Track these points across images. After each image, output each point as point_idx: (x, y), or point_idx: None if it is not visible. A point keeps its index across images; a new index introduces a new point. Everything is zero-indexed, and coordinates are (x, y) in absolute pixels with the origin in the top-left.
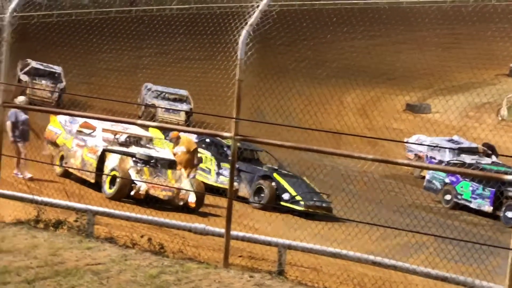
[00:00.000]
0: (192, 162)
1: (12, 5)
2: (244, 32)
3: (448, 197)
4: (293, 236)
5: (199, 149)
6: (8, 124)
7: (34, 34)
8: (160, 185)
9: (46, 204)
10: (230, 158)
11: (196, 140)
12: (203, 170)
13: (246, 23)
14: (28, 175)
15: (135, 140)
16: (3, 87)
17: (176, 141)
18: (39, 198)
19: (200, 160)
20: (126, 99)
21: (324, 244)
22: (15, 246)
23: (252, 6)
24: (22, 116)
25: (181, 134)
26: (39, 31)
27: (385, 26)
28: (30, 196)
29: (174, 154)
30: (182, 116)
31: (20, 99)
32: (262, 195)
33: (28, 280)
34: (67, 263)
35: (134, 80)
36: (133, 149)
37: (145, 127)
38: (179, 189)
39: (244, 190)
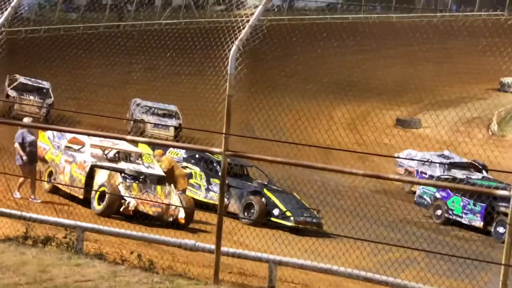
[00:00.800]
0: (174, 179)
1: (0, 20)
2: (234, 47)
3: (439, 212)
4: (283, 252)
5: (189, 165)
6: (16, 146)
7: (22, 50)
8: (150, 201)
9: (34, 220)
10: (220, 173)
11: (185, 156)
12: (192, 185)
13: (236, 38)
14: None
15: (124, 156)
16: None
17: (159, 160)
18: (27, 215)
19: (189, 176)
20: (115, 115)
21: (315, 260)
22: (4, 263)
23: (242, 21)
24: (29, 137)
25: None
26: (27, 46)
27: (376, 40)
28: (18, 213)
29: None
30: (171, 132)
31: (26, 120)
32: (252, 210)
33: None
34: (56, 279)
35: (123, 95)
36: (122, 165)
37: (135, 143)
38: (168, 205)
39: (234, 206)
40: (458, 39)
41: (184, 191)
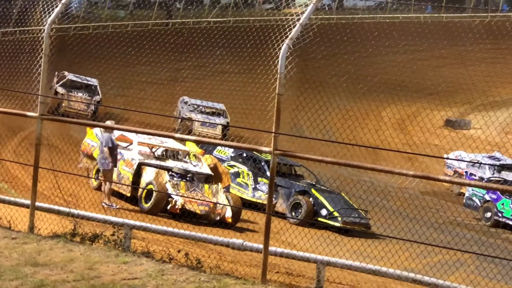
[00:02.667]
0: (218, 177)
1: (51, 17)
2: (284, 46)
3: (488, 214)
4: (331, 252)
5: (236, 164)
6: (106, 150)
7: (71, 47)
8: (197, 199)
9: (82, 217)
10: (267, 173)
11: (233, 155)
12: (239, 185)
13: (287, 37)
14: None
15: (172, 154)
16: (41, 99)
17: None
18: (75, 211)
19: (237, 175)
20: (163, 113)
21: (363, 261)
22: (52, 260)
23: (292, 20)
24: (115, 142)
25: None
26: (76, 43)
27: (427, 40)
28: (66, 210)
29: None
30: (218, 130)
31: (108, 123)
32: (300, 210)
33: None
34: (103, 277)
35: (171, 93)
36: (169, 163)
37: (182, 141)
38: (215, 204)
39: (281, 205)
40: (511, 39)
41: (228, 188)
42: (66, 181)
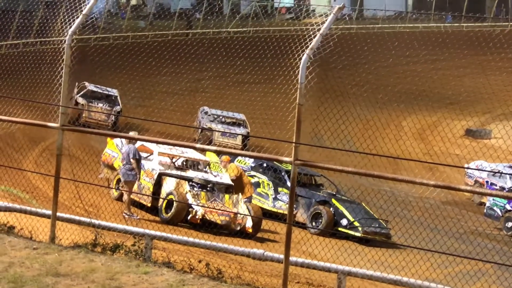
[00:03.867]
0: (242, 186)
1: (72, 28)
2: (305, 56)
3: (509, 224)
4: (352, 262)
5: (256, 174)
6: (133, 161)
7: (91, 57)
8: (218, 209)
9: (103, 228)
10: (288, 183)
11: (253, 165)
12: (260, 195)
13: (307, 47)
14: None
15: (192, 164)
16: (62, 110)
17: (225, 166)
18: (96, 222)
19: (257, 185)
20: (183, 123)
21: (384, 271)
22: (73, 270)
23: (312, 29)
24: (139, 153)
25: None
26: (97, 53)
27: (448, 50)
28: (87, 220)
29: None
30: (238, 140)
31: (131, 133)
32: (320, 220)
33: None
34: (124, 287)
35: (192, 103)
36: (190, 173)
37: (202, 151)
38: (236, 214)
39: (302, 215)
40: None
41: (250, 198)
42: (87, 192)
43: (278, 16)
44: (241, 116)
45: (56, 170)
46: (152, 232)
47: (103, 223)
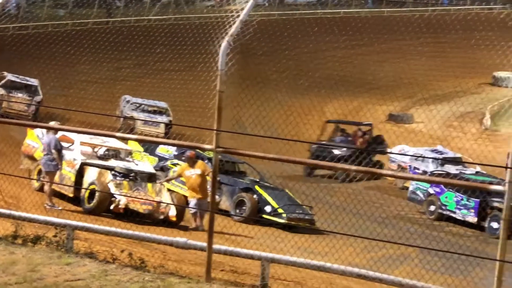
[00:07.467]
0: (205, 186)
1: None
2: (224, 43)
3: (432, 208)
4: (276, 249)
5: (179, 162)
6: (55, 152)
7: (10, 46)
8: (140, 198)
9: (24, 219)
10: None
11: (176, 153)
12: (183, 183)
13: (227, 34)
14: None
15: (114, 154)
16: None
17: (192, 163)
18: (16, 213)
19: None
20: (104, 112)
21: (308, 257)
22: None
23: (232, 16)
24: (60, 143)
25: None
26: (15, 43)
27: (368, 35)
28: (7, 211)
29: (188, 178)
30: (161, 129)
31: (52, 123)
32: (244, 208)
33: None
34: (46, 279)
35: (112, 92)
36: (112, 162)
37: (125, 140)
38: (159, 203)
39: (225, 203)
40: (451, 33)
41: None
42: (6, 183)
43: (199, 3)
44: (164, 104)
45: None
46: (74, 223)
47: (24, 214)
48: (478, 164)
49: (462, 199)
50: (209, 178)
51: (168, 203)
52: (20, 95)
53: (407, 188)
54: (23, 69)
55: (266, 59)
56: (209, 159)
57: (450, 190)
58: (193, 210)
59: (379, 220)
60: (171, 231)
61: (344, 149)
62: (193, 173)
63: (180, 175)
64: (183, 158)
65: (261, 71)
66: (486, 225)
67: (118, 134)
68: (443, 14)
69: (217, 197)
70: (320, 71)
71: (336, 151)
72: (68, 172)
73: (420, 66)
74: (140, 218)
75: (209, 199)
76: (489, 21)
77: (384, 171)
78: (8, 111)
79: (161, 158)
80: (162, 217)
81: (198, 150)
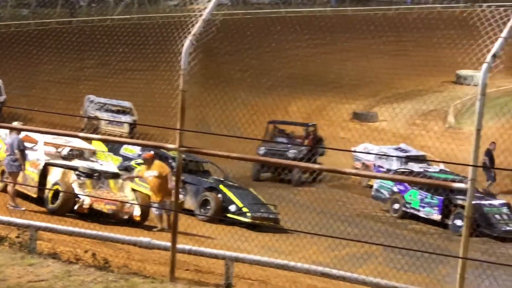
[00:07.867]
0: (165, 187)
1: None
2: (187, 42)
3: (396, 206)
4: (240, 248)
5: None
6: (18, 152)
7: None
8: (104, 198)
9: None
10: (174, 170)
11: (141, 153)
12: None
13: (189, 33)
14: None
15: (78, 154)
16: None
17: (149, 164)
18: None
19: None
20: (67, 112)
21: (272, 256)
22: None
23: (195, 15)
24: (24, 143)
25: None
26: None
27: (330, 34)
28: None
29: (147, 179)
30: (125, 128)
31: (15, 124)
32: (208, 207)
33: None
34: (8, 280)
35: (75, 92)
36: (75, 162)
37: (88, 140)
38: (123, 203)
39: (189, 202)
40: (413, 32)
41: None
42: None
43: (162, 2)
44: (128, 104)
45: None
46: (37, 223)
47: None
48: (441, 162)
49: (426, 197)
50: (174, 178)
51: (132, 203)
52: None
53: (371, 186)
54: None
55: (229, 58)
56: (174, 159)
57: (414, 188)
58: (156, 212)
59: (343, 219)
60: (135, 231)
61: (295, 150)
62: (150, 174)
63: (139, 176)
64: (141, 158)
65: (224, 70)
66: (450, 222)
67: (81, 134)
68: (406, 13)
69: (181, 196)
70: (283, 70)
71: (291, 153)
72: (31, 173)
73: (383, 64)
74: (104, 218)
75: (173, 199)
76: (451, 20)
77: (347, 170)
78: None
79: (126, 158)
80: (126, 217)
81: (162, 150)
